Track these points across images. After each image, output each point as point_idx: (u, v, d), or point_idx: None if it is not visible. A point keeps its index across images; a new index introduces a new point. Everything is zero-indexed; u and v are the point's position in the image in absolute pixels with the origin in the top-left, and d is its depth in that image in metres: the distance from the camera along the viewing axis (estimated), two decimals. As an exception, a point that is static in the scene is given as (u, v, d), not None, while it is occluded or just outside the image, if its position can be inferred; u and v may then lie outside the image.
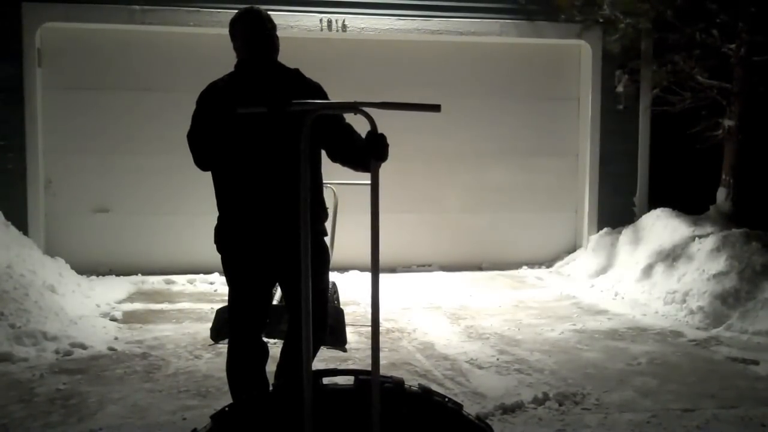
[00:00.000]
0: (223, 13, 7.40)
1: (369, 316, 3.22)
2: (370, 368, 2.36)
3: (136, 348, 5.22)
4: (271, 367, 3.44)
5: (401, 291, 7.21)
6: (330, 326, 4.43)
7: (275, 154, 3.21)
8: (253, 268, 3.30)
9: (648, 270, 7.03)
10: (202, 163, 3.27)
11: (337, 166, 3.30)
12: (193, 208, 7.55)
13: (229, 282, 3.39)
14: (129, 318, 6.08)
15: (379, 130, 2.46)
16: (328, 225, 3.51)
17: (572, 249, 8.75)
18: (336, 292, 5.62)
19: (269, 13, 3.43)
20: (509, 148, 8.67)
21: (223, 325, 4.55)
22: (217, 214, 3.37)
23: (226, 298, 3.45)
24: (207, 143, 3.22)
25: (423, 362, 4.97)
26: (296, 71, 3.39)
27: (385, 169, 2.52)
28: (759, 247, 6.38)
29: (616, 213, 8.49)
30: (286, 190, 3.17)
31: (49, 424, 3.84)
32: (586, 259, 8.21)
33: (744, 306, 5.92)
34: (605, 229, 8.41)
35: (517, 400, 4.15)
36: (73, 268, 7.19)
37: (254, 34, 3.32)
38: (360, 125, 2.71)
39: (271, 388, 3.36)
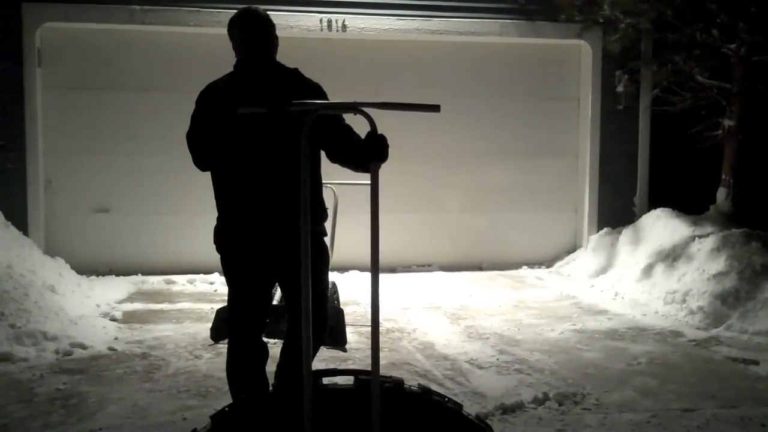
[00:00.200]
0: (223, 13, 7.40)
1: (369, 316, 3.22)
2: (370, 368, 2.36)
3: (136, 348, 5.22)
4: (271, 367, 3.44)
5: (401, 291, 7.21)
6: (330, 326, 4.43)
7: (275, 154, 3.20)
8: (252, 268, 3.30)
9: (648, 270, 7.03)
10: (201, 163, 3.27)
11: (337, 166, 3.30)
12: (193, 208, 7.55)
13: (229, 282, 3.39)
14: (129, 318, 6.08)
15: (379, 131, 2.46)
16: (328, 225, 3.51)
17: (572, 249, 8.75)
18: (336, 292, 5.62)
19: (269, 13, 3.43)
20: (509, 148, 8.67)
21: (223, 325, 4.55)
22: (216, 214, 3.37)
23: (226, 298, 3.45)
24: (206, 143, 3.21)
25: (423, 362, 4.97)
26: (295, 71, 3.39)
27: (385, 169, 2.52)
28: (759, 247, 6.38)
29: (616, 213, 8.49)
30: (286, 190, 3.17)
31: (49, 424, 3.84)
32: (586, 259, 8.21)
33: (744, 306, 5.92)
34: (605, 229, 8.41)
35: (517, 400, 4.15)
36: (73, 268, 7.19)
37: (253, 34, 3.31)
38: (360, 125, 2.71)
39: (271, 388, 3.37)
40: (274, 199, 3.23)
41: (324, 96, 3.32)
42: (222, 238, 3.35)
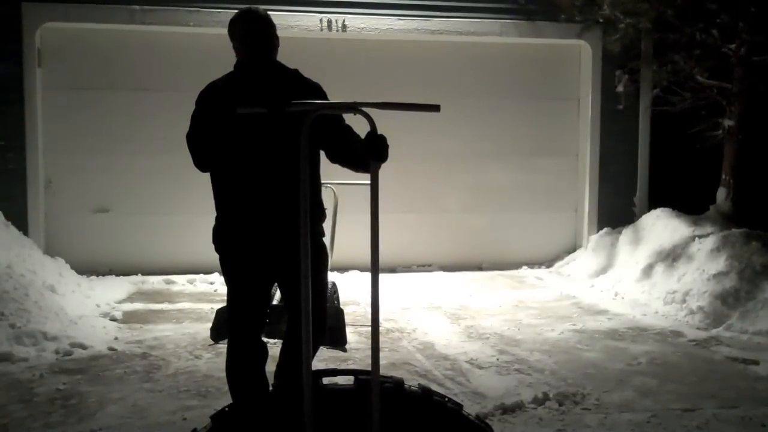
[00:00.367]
0: (223, 13, 7.40)
1: (369, 316, 3.22)
2: (370, 368, 2.36)
3: (136, 348, 5.22)
4: (270, 367, 3.44)
5: (401, 291, 7.21)
6: (330, 326, 4.43)
7: (274, 154, 3.20)
8: (251, 267, 3.30)
9: (648, 270, 7.03)
10: (201, 163, 3.27)
11: (337, 166, 3.30)
12: (192, 208, 7.54)
13: (228, 282, 3.39)
14: (129, 318, 6.08)
15: (379, 131, 2.46)
16: (328, 225, 3.51)
17: (572, 249, 8.75)
18: (336, 292, 5.62)
19: (269, 13, 3.42)
20: (509, 148, 8.67)
21: (223, 325, 4.55)
22: (215, 214, 3.37)
23: (226, 298, 3.45)
24: (206, 144, 3.21)
25: (423, 362, 4.97)
26: (295, 71, 3.39)
27: (385, 169, 2.53)
28: (759, 247, 6.38)
29: (616, 213, 8.49)
30: (285, 190, 3.17)
31: (49, 424, 3.84)
32: (586, 259, 8.21)
33: (744, 306, 5.92)
34: (605, 229, 8.41)
35: (517, 400, 4.15)
36: (73, 268, 7.19)
37: (253, 35, 3.30)
38: (360, 125, 2.71)
39: (271, 388, 3.37)
40: (274, 198, 3.23)
41: (324, 96, 3.31)
42: (221, 237, 3.35)
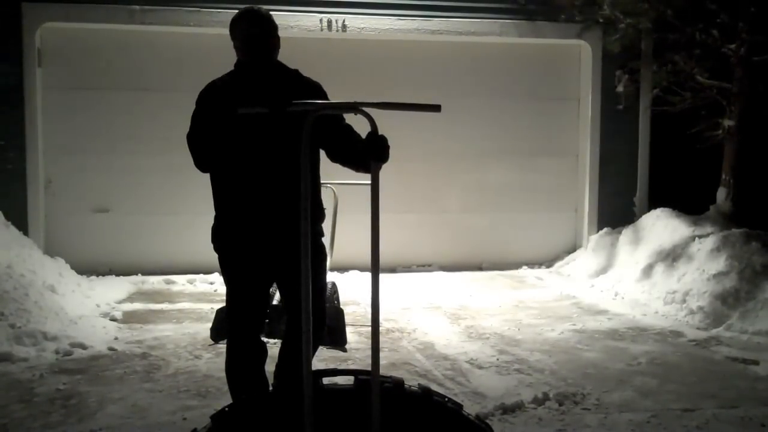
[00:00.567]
0: (223, 13, 7.41)
1: (369, 316, 3.22)
2: (370, 368, 2.36)
3: (136, 348, 5.22)
4: (270, 367, 3.44)
5: (401, 291, 7.21)
6: (330, 326, 4.43)
7: (274, 154, 3.20)
8: (249, 267, 3.30)
9: (648, 270, 7.03)
10: (202, 164, 3.27)
11: (337, 166, 3.30)
12: (193, 208, 7.54)
13: (227, 282, 3.39)
14: (129, 318, 6.08)
15: (380, 131, 2.46)
16: (328, 225, 3.51)
17: (572, 249, 8.75)
18: (336, 292, 5.62)
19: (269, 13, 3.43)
20: (509, 148, 8.67)
21: (223, 325, 4.55)
22: (214, 213, 3.37)
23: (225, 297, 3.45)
24: (207, 144, 3.21)
25: (423, 362, 4.97)
26: (296, 71, 3.39)
27: (385, 169, 2.53)
28: (759, 247, 6.38)
29: (616, 213, 8.49)
30: (284, 190, 3.17)
31: (49, 424, 3.84)
32: (586, 259, 8.21)
33: (744, 306, 5.92)
34: (605, 229, 8.41)
35: (517, 400, 4.15)
36: (73, 268, 7.19)
37: (254, 35, 3.30)
38: (360, 125, 2.70)
39: (270, 387, 3.37)
40: (273, 198, 3.23)
41: (324, 95, 3.32)
42: (219, 237, 3.35)
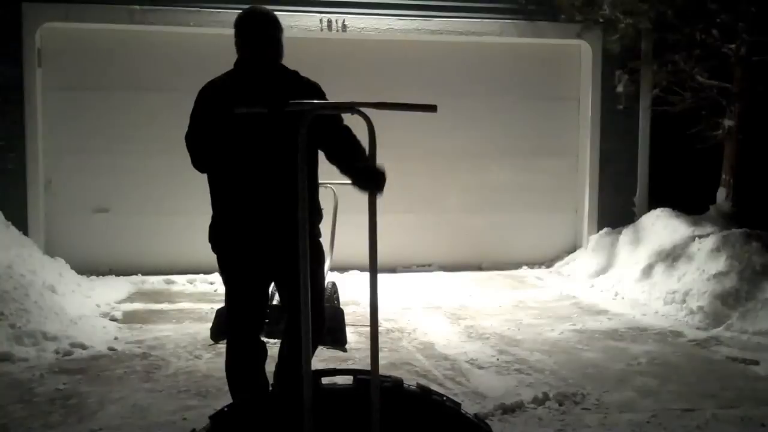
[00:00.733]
0: (223, 13, 7.41)
1: (369, 316, 3.22)
2: (369, 368, 2.36)
3: (136, 348, 5.22)
4: (270, 367, 3.44)
5: (401, 291, 7.21)
6: (330, 326, 4.43)
7: (272, 154, 3.20)
8: (247, 267, 3.30)
9: (648, 270, 7.03)
10: (200, 163, 3.27)
11: (339, 165, 3.30)
12: (193, 208, 7.48)
13: (226, 281, 3.39)
14: (129, 318, 6.08)
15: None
16: (328, 225, 3.51)
17: (572, 249, 8.74)
18: (336, 292, 5.63)
19: (269, 13, 3.43)
20: (509, 148, 8.66)
21: (223, 326, 4.55)
22: (212, 213, 3.37)
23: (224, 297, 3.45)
24: (205, 143, 3.21)
25: (423, 362, 4.97)
26: (294, 72, 3.39)
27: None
28: (759, 247, 6.38)
29: (616, 213, 8.48)
30: (283, 190, 3.17)
31: (49, 424, 3.84)
32: (586, 259, 8.21)
33: (744, 306, 5.91)
34: (605, 229, 8.41)
35: (517, 400, 4.14)
36: (73, 268, 7.19)
37: (257, 36, 3.31)
38: (360, 125, 2.70)
39: (270, 387, 3.37)
40: (271, 198, 3.23)
41: (322, 96, 3.31)
42: (217, 236, 3.35)
